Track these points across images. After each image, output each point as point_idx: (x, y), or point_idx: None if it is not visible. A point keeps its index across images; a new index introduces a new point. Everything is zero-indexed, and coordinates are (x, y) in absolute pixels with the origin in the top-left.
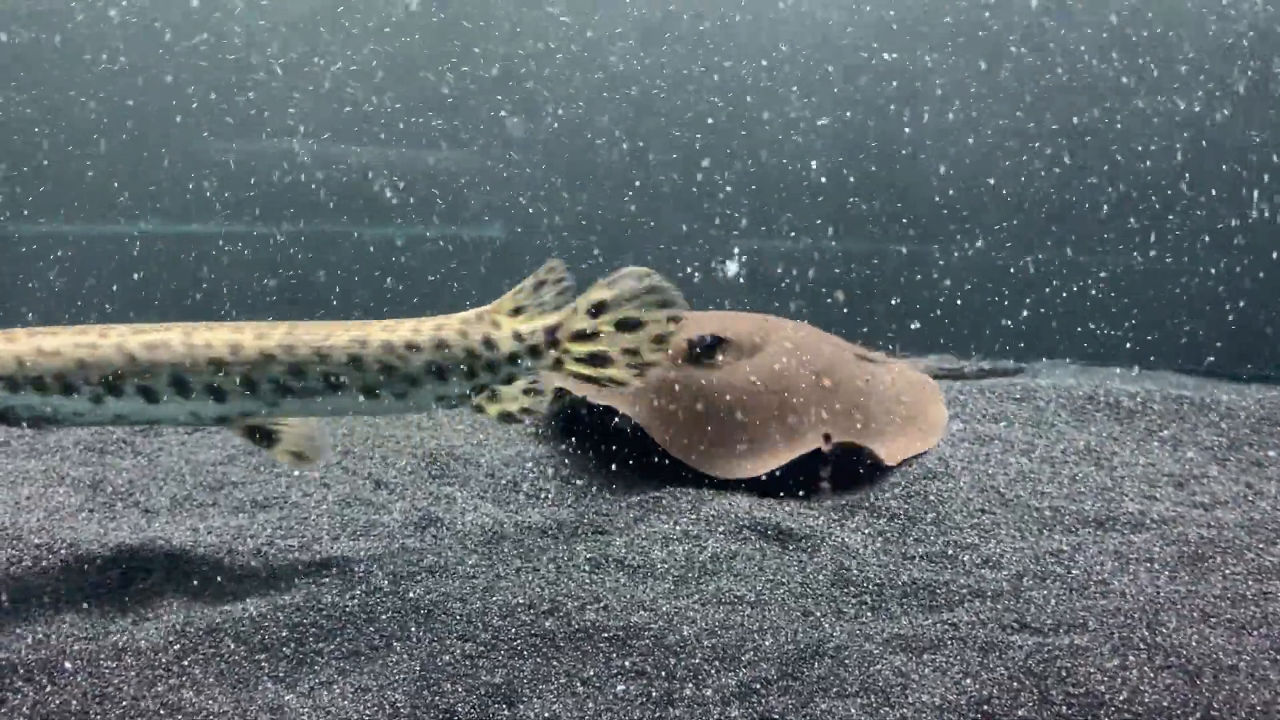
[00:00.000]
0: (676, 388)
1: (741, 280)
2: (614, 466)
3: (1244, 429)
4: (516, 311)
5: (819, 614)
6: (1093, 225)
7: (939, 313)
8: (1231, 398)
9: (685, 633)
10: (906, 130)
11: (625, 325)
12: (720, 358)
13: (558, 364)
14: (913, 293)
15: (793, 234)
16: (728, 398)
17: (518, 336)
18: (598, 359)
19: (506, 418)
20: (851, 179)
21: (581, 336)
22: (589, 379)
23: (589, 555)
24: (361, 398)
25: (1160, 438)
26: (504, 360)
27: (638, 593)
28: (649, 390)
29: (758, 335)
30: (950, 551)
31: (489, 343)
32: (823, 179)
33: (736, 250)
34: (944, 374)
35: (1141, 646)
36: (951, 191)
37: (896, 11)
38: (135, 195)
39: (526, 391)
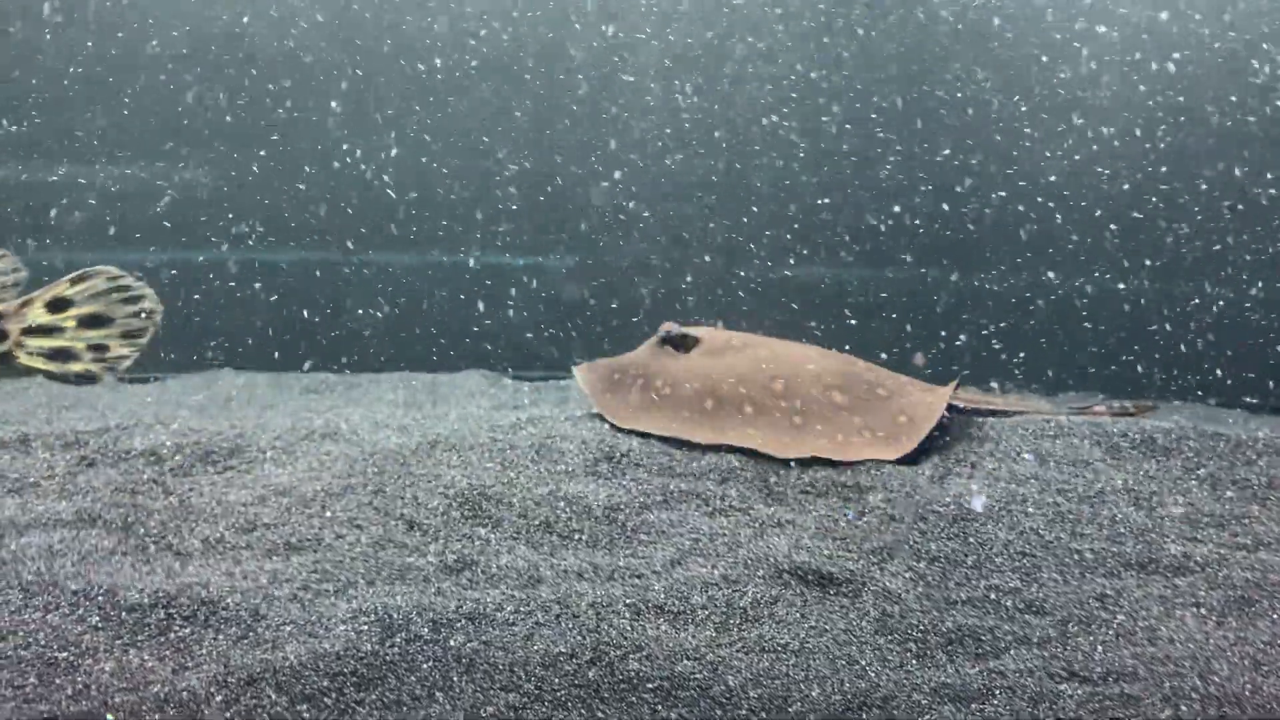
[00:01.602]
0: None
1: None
2: (648, 508)
3: None
4: None
5: (864, 662)
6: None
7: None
8: (1268, 433)
9: (730, 682)
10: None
11: (90, 321)
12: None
13: (6, 356)
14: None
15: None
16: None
17: None
18: (61, 354)
19: None
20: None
21: (40, 331)
22: (51, 374)
23: (628, 601)
24: None
25: (1198, 476)
26: None
27: (680, 640)
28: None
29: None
30: (993, 596)
31: None
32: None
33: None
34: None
35: (1195, 696)
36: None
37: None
38: None
39: None
